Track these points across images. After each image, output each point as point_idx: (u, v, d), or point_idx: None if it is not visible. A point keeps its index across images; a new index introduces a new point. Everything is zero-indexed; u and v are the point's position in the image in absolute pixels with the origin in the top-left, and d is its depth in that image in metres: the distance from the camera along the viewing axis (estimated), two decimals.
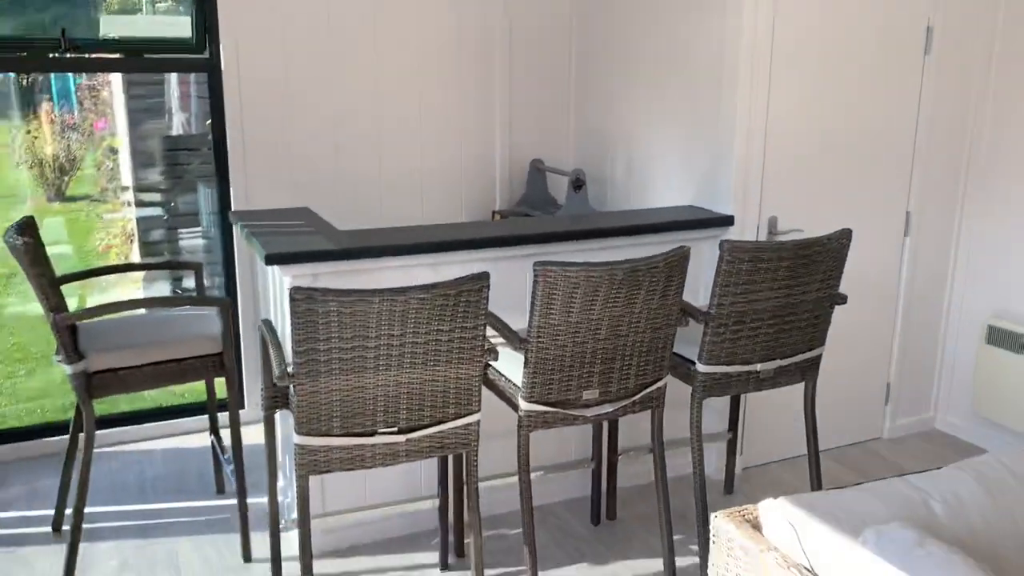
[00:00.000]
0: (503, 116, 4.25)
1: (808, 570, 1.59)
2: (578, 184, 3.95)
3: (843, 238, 2.76)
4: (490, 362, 2.35)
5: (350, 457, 2.26)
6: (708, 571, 1.75)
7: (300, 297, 2.05)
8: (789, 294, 2.74)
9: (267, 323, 2.57)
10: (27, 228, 2.72)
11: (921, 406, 4.07)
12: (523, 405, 2.50)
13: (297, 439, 2.22)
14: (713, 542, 1.76)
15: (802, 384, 3.00)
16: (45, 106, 9.72)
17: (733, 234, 3.40)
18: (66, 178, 9.79)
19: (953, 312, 3.97)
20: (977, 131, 3.77)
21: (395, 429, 2.28)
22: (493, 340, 2.42)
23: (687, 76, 3.54)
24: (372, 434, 2.26)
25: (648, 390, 2.66)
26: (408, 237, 2.95)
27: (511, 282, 2.99)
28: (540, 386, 2.48)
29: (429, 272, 2.92)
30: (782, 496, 1.68)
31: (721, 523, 1.74)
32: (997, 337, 3.68)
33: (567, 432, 3.37)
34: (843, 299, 2.91)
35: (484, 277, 2.21)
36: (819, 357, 2.96)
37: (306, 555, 2.31)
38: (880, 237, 3.73)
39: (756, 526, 1.72)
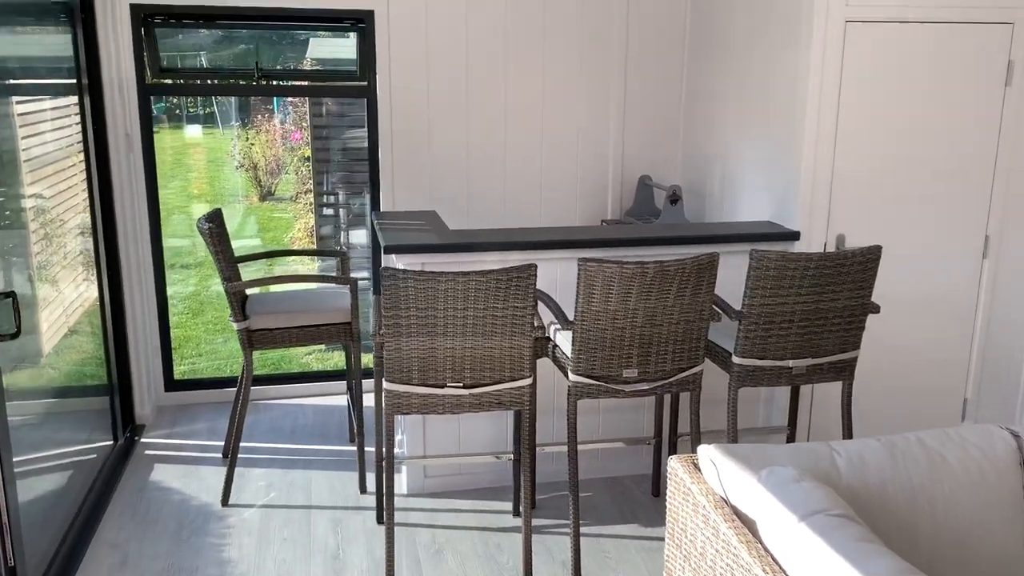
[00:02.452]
0: (616, 136, 4.79)
1: (723, 498, 2.06)
2: (674, 199, 4.42)
3: (870, 253, 3.10)
4: (554, 340, 2.89)
5: (425, 403, 2.91)
6: (666, 498, 2.24)
7: (387, 275, 2.72)
8: (818, 300, 3.12)
9: (377, 297, 3.27)
10: (214, 217, 3.58)
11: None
12: (571, 376, 3.05)
13: (385, 385, 2.90)
14: (668, 477, 2.25)
15: (840, 384, 3.33)
16: (259, 119, 11.24)
17: (800, 248, 3.76)
18: (274, 181, 11.27)
19: None
20: None
21: (460, 384, 2.90)
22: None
23: (769, 99, 3.94)
24: (442, 386, 2.90)
25: (684, 374, 3.13)
26: (499, 237, 3.57)
27: None
28: (585, 361, 3.02)
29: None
30: (714, 443, 2.15)
31: (673, 463, 2.23)
32: None
33: (637, 414, 3.87)
34: (876, 308, 3.23)
35: (531, 268, 2.79)
36: (853, 359, 3.29)
37: (390, 477, 2.97)
38: (957, 258, 3.94)
39: (697, 467, 2.20)
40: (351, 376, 3.91)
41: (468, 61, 4.57)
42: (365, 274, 5.85)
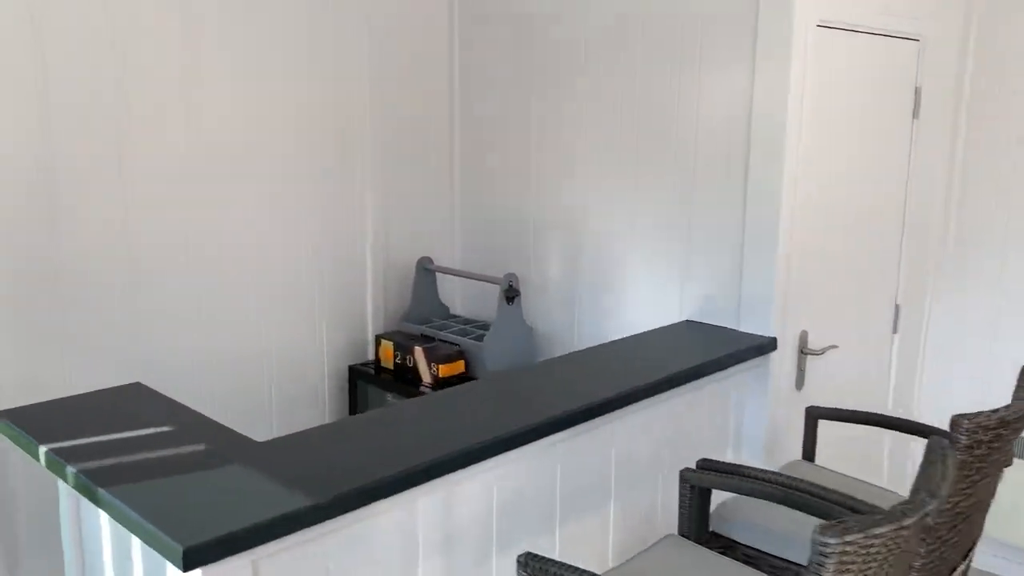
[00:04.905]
0: (372, 203, 2.97)
1: None
2: (511, 294, 2.81)
3: None
4: None
5: None
6: None
7: None
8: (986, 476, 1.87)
9: None
10: None
11: None
12: None
13: None
14: None
15: None
16: None
17: (774, 362, 2.48)
18: None
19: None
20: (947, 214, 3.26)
21: None
22: None
23: (680, 152, 2.58)
24: None
25: None
26: (402, 457, 1.61)
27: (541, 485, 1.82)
28: None
29: (436, 503, 1.65)
30: None
31: None
32: None
33: None
34: None
35: None
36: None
37: None
38: (871, 340, 3.04)
39: None
40: None
41: (124, 96, 2.37)
42: None
